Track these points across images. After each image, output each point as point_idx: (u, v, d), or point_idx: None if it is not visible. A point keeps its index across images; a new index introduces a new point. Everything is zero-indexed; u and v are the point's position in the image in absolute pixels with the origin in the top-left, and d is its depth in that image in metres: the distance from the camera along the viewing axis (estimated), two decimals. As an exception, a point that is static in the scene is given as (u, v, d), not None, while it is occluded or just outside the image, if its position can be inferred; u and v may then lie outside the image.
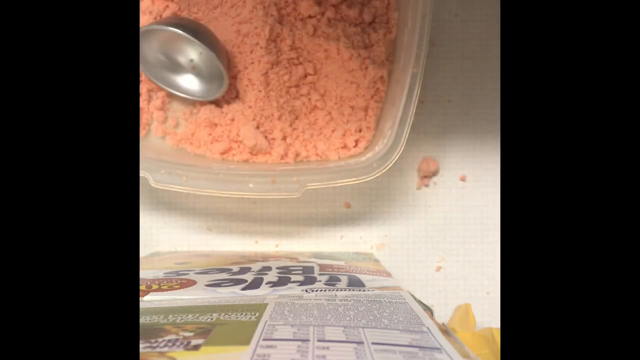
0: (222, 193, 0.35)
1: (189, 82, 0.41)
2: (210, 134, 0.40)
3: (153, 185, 0.35)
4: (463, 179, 0.42)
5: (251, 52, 0.39)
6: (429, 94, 0.41)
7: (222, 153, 0.40)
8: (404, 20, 0.39)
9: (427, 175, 0.41)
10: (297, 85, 0.40)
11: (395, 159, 0.34)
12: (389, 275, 0.31)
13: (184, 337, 0.19)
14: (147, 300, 0.26)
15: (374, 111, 0.40)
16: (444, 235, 0.42)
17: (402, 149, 0.34)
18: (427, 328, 0.20)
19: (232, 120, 0.40)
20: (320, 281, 0.28)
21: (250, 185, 0.36)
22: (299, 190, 0.35)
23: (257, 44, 0.39)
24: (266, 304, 0.23)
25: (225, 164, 0.39)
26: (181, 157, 0.39)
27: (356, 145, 0.39)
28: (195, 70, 0.41)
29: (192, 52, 0.40)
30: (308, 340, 0.18)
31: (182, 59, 0.40)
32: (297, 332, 0.19)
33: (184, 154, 0.40)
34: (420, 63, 0.34)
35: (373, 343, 0.18)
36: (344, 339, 0.19)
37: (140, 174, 0.35)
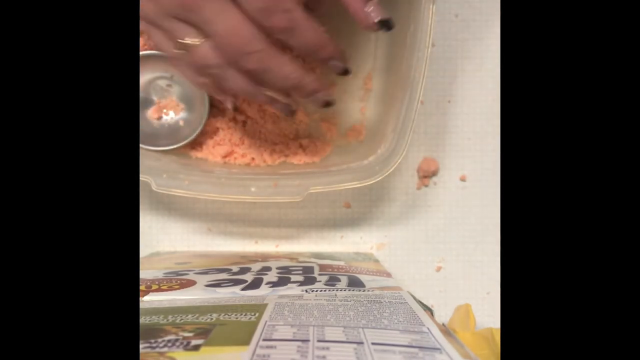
0: (225, 197, 0.35)
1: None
2: (212, 138, 0.40)
3: (155, 189, 0.35)
4: (463, 179, 0.42)
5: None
6: (429, 94, 0.41)
7: (224, 156, 0.40)
8: (405, 22, 0.38)
9: (427, 175, 0.41)
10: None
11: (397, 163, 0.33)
12: (389, 275, 0.31)
13: (184, 337, 0.19)
14: (147, 301, 0.26)
15: (372, 113, 0.40)
16: (444, 235, 0.42)
17: (404, 153, 0.33)
18: (427, 328, 0.20)
19: (234, 119, 0.40)
20: (320, 281, 0.28)
21: (253, 189, 0.35)
22: (301, 193, 0.35)
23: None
24: (266, 304, 0.23)
25: (227, 168, 0.39)
26: (183, 161, 0.39)
27: (355, 148, 0.39)
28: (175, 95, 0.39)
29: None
30: (308, 340, 0.18)
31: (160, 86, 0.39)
32: (297, 333, 0.19)
33: (186, 158, 0.40)
34: (421, 67, 0.33)
35: (373, 343, 0.18)
36: (344, 339, 0.19)
37: (143, 178, 0.35)
